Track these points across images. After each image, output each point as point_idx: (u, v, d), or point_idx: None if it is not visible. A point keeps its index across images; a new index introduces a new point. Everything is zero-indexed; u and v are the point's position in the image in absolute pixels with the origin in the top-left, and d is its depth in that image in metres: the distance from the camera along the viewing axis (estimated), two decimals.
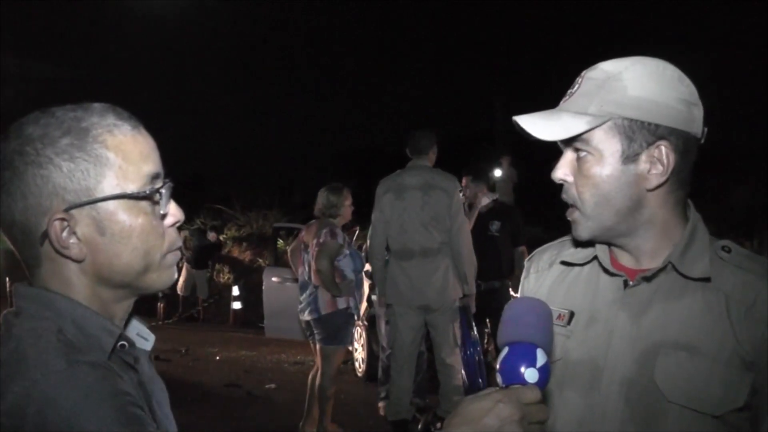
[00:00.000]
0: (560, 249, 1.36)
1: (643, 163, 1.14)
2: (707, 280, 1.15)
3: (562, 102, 1.20)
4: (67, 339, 0.88)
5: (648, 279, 1.19)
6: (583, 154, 1.15)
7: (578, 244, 1.30)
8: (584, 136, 1.13)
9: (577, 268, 1.30)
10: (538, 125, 1.14)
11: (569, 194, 1.19)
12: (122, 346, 0.95)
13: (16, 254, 0.95)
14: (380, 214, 4.71)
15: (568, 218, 1.22)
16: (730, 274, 1.16)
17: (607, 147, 1.13)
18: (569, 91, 1.19)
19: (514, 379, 0.93)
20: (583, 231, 1.20)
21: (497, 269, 5.48)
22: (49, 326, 0.89)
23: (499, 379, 0.95)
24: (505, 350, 0.96)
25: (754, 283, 1.14)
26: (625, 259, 1.23)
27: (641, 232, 1.19)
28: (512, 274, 5.88)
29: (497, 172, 12.91)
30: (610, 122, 1.13)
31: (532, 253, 1.44)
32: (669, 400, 1.13)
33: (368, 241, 4.89)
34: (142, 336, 1.05)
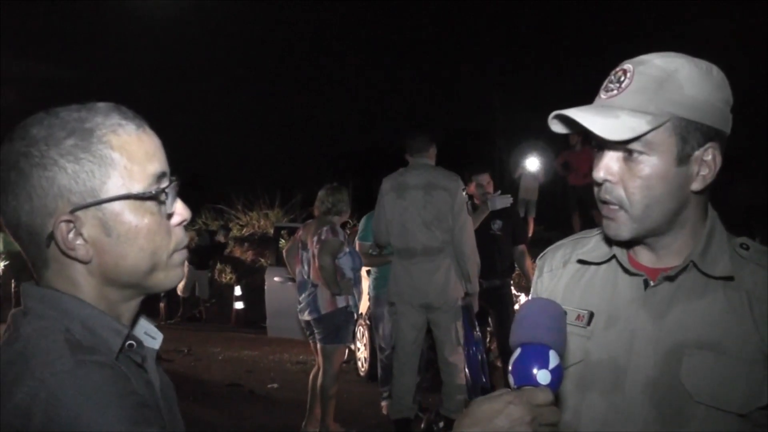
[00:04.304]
0: (574, 247, 1.34)
1: (693, 165, 1.12)
2: (729, 278, 1.15)
3: (607, 95, 1.14)
4: (75, 339, 0.88)
5: (671, 278, 1.17)
6: (636, 154, 1.11)
7: (595, 242, 1.29)
8: (643, 136, 1.09)
9: (593, 267, 1.28)
10: (597, 122, 1.09)
11: (614, 194, 1.14)
12: (130, 345, 0.95)
13: (23, 255, 0.95)
14: (382, 213, 4.71)
15: (606, 217, 1.17)
16: (750, 271, 1.15)
17: (664, 148, 1.10)
18: (618, 85, 1.14)
19: (526, 380, 0.92)
20: (625, 231, 1.16)
21: (499, 268, 5.48)
22: (57, 326, 0.89)
23: (510, 380, 0.94)
24: (518, 351, 0.95)
25: None
26: (644, 258, 1.22)
27: (674, 232, 1.17)
28: (513, 272, 5.88)
29: (530, 165, 11.29)
30: (669, 123, 1.10)
31: (544, 252, 1.41)
32: (695, 400, 1.12)
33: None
34: (150, 335, 1.05)
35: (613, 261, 1.25)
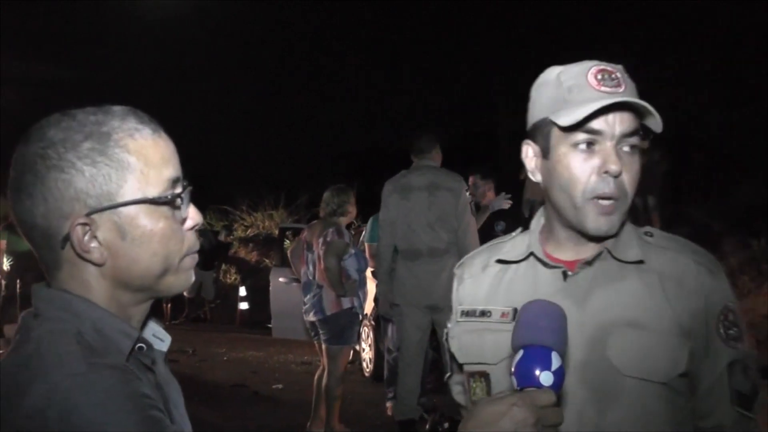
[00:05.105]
0: (490, 253, 1.41)
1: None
2: (641, 262, 1.25)
3: (613, 89, 1.19)
4: (86, 341, 0.89)
5: (589, 263, 1.25)
6: (633, 148, 1.20)
7: (511, 243, 1.37)
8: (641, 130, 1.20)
9: (513, 267, 1.35)
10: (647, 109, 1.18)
11: (622, 189, 1.20)
12: (140, 348, 0.96)
13: (35, 255, 0.96)
14: (386, 214, 4.72)
15: (606, 213, 1.21)
16: (657, 255, 1.26)
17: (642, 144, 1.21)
18: (616, 83, 1.20)
19: (529, 382, 0.93)
20: (618, 226, 1.23)
21: None
22: (68, 328, 0.89)
23: (513, 382, 0.95)
24: (520, 353, 0.95)
25: (679, 260, 1.25)
26: (561, 253, 1.29)
27: None
28: None
29: None
30: None
31: (461, 261, 1.48)
32: (624, 374, 1.20)
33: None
34: (158, 337, 1.05)
35: (531, 258, 1.31)
